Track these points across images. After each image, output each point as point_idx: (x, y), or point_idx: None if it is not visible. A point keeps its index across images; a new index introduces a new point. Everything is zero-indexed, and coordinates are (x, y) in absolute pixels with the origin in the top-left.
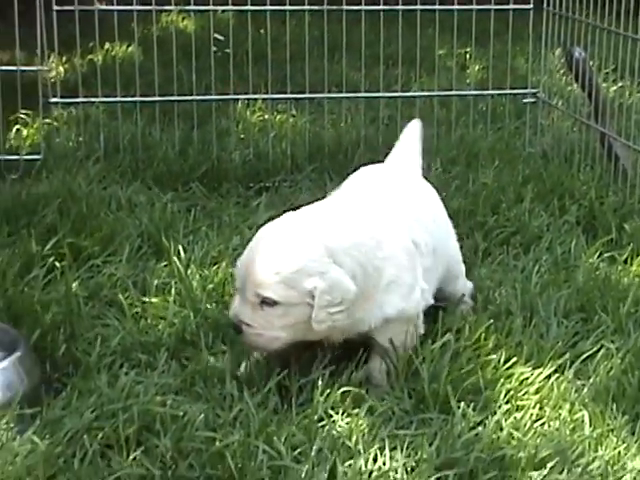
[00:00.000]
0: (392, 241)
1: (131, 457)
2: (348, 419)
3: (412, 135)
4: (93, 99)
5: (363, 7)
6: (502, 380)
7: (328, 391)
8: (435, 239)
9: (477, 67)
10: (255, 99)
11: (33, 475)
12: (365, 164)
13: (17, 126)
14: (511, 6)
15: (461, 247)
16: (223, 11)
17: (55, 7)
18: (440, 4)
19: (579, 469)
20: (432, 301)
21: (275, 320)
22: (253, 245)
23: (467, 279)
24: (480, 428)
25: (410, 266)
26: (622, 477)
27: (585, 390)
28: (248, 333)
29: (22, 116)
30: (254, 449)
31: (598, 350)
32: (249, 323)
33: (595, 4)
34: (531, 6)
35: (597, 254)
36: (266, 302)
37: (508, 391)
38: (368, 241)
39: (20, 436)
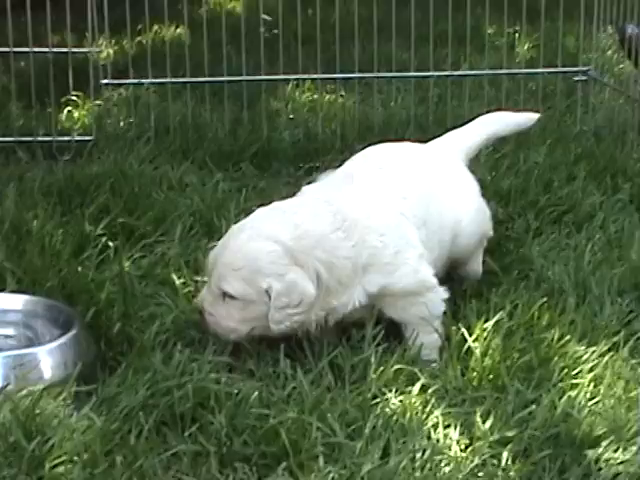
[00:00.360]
0: (365, 225)
1: (186, 434)
2: (401, 397)
3: (483, 121)
4: (143, 80)
5: None
6: (556, 358)
7: (381, 369)
8: (428, 214)
9: (527, 45)
10: (304, 79)
11: (90, 451)
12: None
13: (68, 108)
14: None
15: (512, 227)
16: None
17: None
18: None
19: (634, 447)
20: (444, 294)
21: (234, 313)
22: (223, 239)
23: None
24: (534, 406)
25: (396, 240)
26: None
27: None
28: (209, 320)
29: (73, 98)
30: (308, 426)
31: None
32: (211, 312)
33: None
34: None
35: None
36: (227, 295)
37: (562, 369)
38: (332, 236)
39: (77, 413)
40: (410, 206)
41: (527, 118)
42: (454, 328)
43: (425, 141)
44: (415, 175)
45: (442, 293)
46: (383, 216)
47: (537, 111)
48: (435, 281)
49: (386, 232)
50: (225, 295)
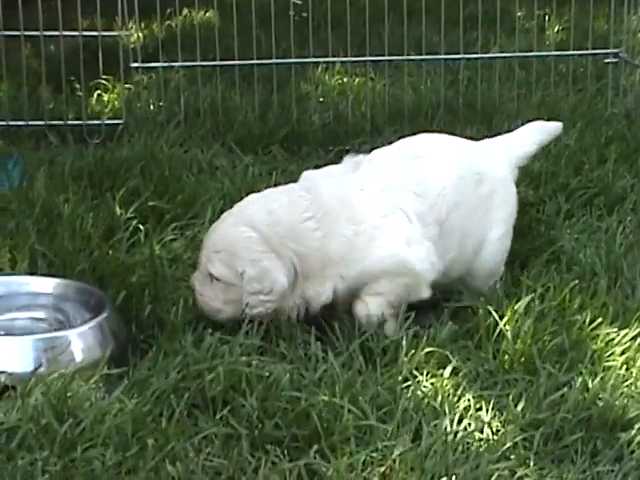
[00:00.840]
0: (339, 214)
1: (217, 416)
2: (433, 380)
3: (534, 128)
4: (173, 64)
5: None
6: (587, 341)
7: (412, 352)
8: (442, 215)
9: (557, 28)
10: (334, 62)
11: (121, 434)
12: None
13: (98, 91)
14: None
15: (543, 210)
16: None
17: None
18: None
19: None
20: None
21: (219, 294)
22: (214, 225)
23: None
24: (566, 389)
25: (370, 229)
26: None
27: None
28: (199, 300)
29: (103, 82)
30: (339, 409)
31: None
32: (201, 292)
33: None
34: None
35: None
36: (212, 276)
37: (594, 352)
38: (302, 226)
39: (108, 396)
40: (421, 204)
41: (557, 127)
42: (484, 311)
43: (452, 126)
44: (447, 175)
45: (427, 280)
46: (363, 207)
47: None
48: (421, 267)
49: (361, 221)
50: (211, 276)
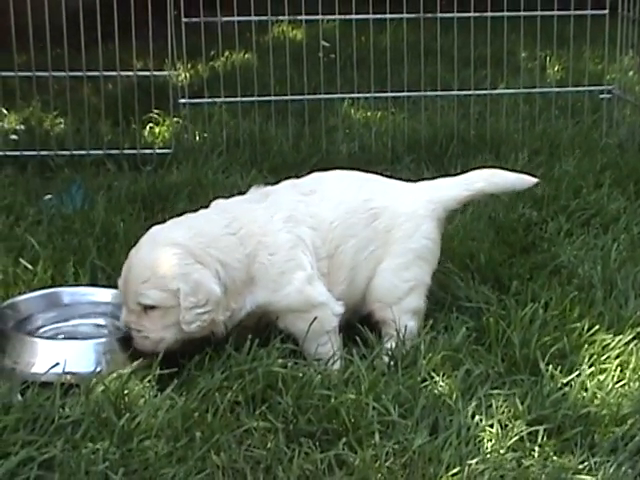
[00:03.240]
0: (259, 240)
1: (257, 412)
2: (448, 380)
3: (473, 177)
4: (216, 99)
5: (455, 14)
6: (586, 346)
7: (430, 355)
8: (331, 248)
9: (557, 67)
10: (358, 98)
11: (172, 427)
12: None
13: (150, 124)
14: (589, 11)
15: (545, 229)
16: (329, 20)
17: (184, 19)
18: (524, 11)
19: None
20: (338, 309)
21: (157, 322)
22: (127, 262)
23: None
24: (566, 388)
25: (283, 262)
26: None
27: None
28: (137, 337)
29: (155, 115)
30: (365, 406)
31: None
32: (138, 328)
33: None
34: (607, 11)
35: None
36: (147, 307)
37: (591, 355)
38: (224, 238)
39: (160, 394)
40: (315, 237)
41: (523, 180)
42: (494, 319)
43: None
44: (335, 210)
45: (334, 310)
46: (276, 237)
47: (566, 127)
48: (323, 300)
49: (275, 252)
50: (146, 308)
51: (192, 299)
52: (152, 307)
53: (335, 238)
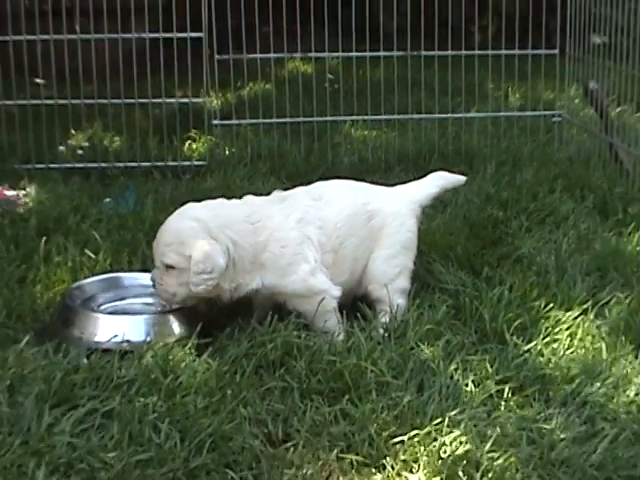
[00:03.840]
0: (272, 233)
1: (276, 374)
2: (432, 348)
3: (436, 177)
4: (242, 121)
5: (436, 52)
6: (542, 320)
7: (417, 328)
8: (336, 244)
9: (517, 95)
10: (358, 120)
11: (208, 386)
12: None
13: (189, 141)
14: (543, 51)
15: (509, 226)
16: (334, 57)
17: (216, 57)
18: (491, 50)
19: (599, 383)
20: (336, 293)
21: (174, 279)
22: (160, 228)
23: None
24: (527, 355)
25: (291, 254)
26: (628, 389)
27: (603, 327)
28: (159, 289)
29: (192, 134)
30: (364, 369)
31: (611, 299)
32: (160, 282)
33: (602, 50)
34: (557, 51)
35: (609, 230)
36: (168, 266)
37: (547, 328)
38: (242, 224)
39: (198, 359)
40: (321, 235)
41: (460, 179)
42: (469, 299)
43: (445, 166)
44: (340, 213)
45: (332, 294)
46: (288, 233)
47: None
48: (324, 287)
49: (286, 245)
50: (167, 267)
51: (200, 266)
52: (171, 267)
53: (340, 236)
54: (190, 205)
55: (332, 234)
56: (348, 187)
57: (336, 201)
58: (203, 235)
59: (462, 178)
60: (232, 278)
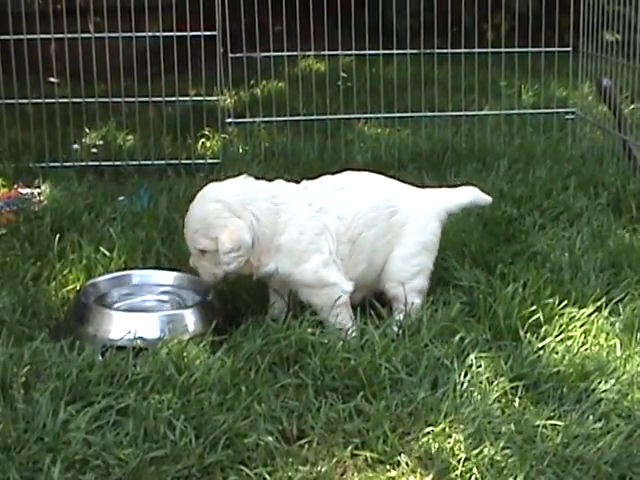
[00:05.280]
0: (292, 218)
1: (291, 371)
2: (446, 345)
3: (471, 191)
4: (256, 119)
5: (449, 50)
6: (556, 317)
7: (431, 325)
8: (354, 234)
9: (530, 93)
10: (371, 118)
11: (222, 382)
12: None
13: (202, 139)
14: (556, 49)
15: (523, 223)
16: (347, 55)
17: (230, 55)
18: (504, 48)
19: (613, 380)
20: (348, 287)
21: (210, 261)
22: (187, 214)
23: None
24: (541, 352)
25: (307, 243)
26: None
27: (617, 324)
28: (201, 273)
29: (206, 132)
30: (378, 366)
31: (625, 295)
32: (198, 266)
33: (615, 47)
34: (570, 49)
35: (622, 227)
36: (201, 250)
37: (561, 325)
38: (265, 202)
39: (213, 356)
40: (339, 225)
41: (488, 199)
42: (483, 296)
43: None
44: (362, 203)
45: (343, 288)
46: (308, 221)
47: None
48: (334, 280)
49: (304, 232)
50: (201, 251)
51: (228, 245)
52: (204, 251)
53: (359, 226)
54: (211, 186)
55: (351, 224)
56: (373, 179)
57: (359, 191)
58: (227, 215)
59: (489, 199)
60: (258, 254)
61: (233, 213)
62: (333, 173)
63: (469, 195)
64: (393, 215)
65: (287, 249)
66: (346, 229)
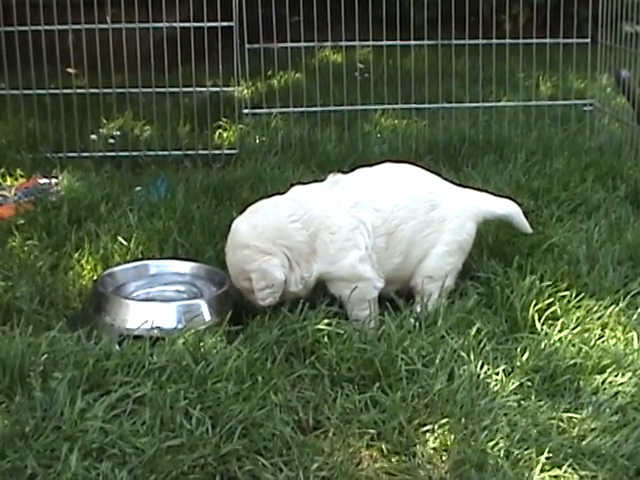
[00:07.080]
0: (321, 222)
1: (307, 362)
2: (462, 337)
3: (510, 204)
4: (273, 110)
5: (466, 41)
6: (574, 309)
7: (448, 316)
8: (392, 226)
9: (548, 85)
10: (388, 109)
11: (239, 372)
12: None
13: (219, 130)
14: (574, 40)
15: (541, 215)
16: (364, 46)
17: (247, 46)
18: (522, 39)
19: (630, 373)
20: (379, 284)
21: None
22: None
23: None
24: (558, 344)
25: (342, 240)
26: None
27: (634, 316)
28: (257, 305)
29: (223, 123)
30: (394, 357)
31: None
32: (252, 300)
33: (634, 39)
34: (589, 40)
35: None
36: (245, 289)
37: (578, 318)
38: (290, 226)
39: (229, 346)
40: (376, 218)
41: (526, 227)
42: (500, 288)
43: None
44: (401, 195)
45: (375, 284)
46: (340, 219)
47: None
48: (369, 275)
49: (337, 231)
50: (245, 289)
51: (262, 282)
52: (247, 289)
53: (397, 218)
54: (238, 226)
55: (389, 216)
56: (413, 171)
57: (398, 183)
58: (257, 257)
59: (528, 228)
60: (297, 281)
61: (264, 253)
62: (350, 164)
63: (509, 208)
64: (433, 209)
65: (322, 252)
66: (383, 221)
